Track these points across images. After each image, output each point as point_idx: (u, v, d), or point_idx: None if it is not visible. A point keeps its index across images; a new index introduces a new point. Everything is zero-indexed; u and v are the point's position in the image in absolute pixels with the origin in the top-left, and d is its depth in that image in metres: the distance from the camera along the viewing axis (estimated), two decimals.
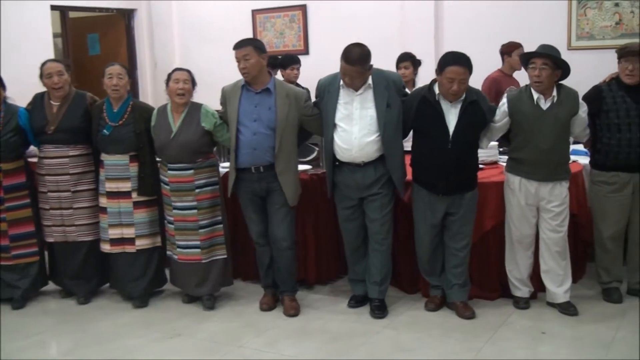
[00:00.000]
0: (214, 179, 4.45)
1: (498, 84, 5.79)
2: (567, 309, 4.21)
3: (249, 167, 4.22)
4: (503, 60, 5.98)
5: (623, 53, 4.16)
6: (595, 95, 4.22)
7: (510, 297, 4.35)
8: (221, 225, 4.48)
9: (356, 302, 4.46)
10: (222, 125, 4.34)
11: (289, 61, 6.17)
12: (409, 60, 5.82)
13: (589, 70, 4.64)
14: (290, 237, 4.35)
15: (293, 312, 4.34)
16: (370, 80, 4.10)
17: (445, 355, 3.74)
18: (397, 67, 5.79)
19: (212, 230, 4.44)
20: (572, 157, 4.94)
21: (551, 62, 4.00)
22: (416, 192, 4.23)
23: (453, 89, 3.94)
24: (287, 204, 4.28)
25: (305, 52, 7.49)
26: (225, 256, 4.49)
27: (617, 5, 6.11)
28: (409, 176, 4.29)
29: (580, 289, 4.60)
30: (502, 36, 6.15)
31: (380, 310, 4.27)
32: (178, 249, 4.45)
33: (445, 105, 4.04)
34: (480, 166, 4.54)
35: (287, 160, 4.25)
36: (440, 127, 4.02)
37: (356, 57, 3.99)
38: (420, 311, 4.35)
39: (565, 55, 6.15)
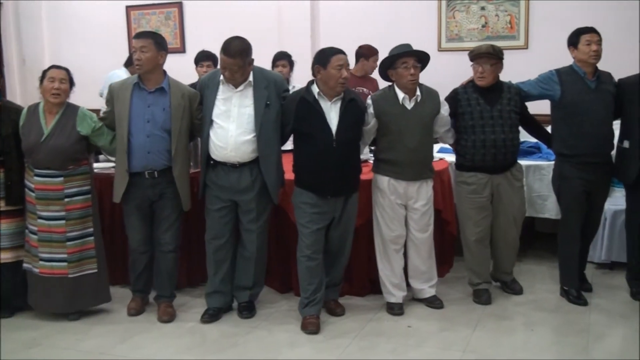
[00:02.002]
0: (86, 187, 4.18)
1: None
2: (433, 302, 4.34)
3: (142, 172, 4.04)
4: (357, 61, 6.04)
5: (473, 56, 4.30)
6: (452, 98, 4.34)
7: (380, 292, 4.40)
8: (92, 238, 4.21)
9: (211, 316, 4.21)
10: (102, 130, 4.12)
11: (274, 58, 5.93)
12: (286, 59, 5.83)
13: (458, 71, 4.76)
14: (176, 242, 4.25)
15: (167, 317, 4.21)
16: (251, 78, 4.01)
17: (314, 353, 3.76)
18: (275, 65, 5.77)
19: (82, 243, 4.17)
20: (440, 155, 5.13)
21: (420, 62, 4.09)
22: (300, 197, 4.06)
23: (344, 75, 3.92)
24: (178, 209, 4.17)
25: (182, 50, 7.32)
26: (95, 270, 4.23)
27: (483, 8, 6.34)
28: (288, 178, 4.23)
29: (447, 282, 4.77)
30: (375, 37, 6.24)
31: (247, 310, 4.23)
32: (40, 262, 4.14)
33: (324, 104, 3.98)
34: None
35: (183, 163, 4.13)
36: (322, 126, 3.95)
37: (236, 49, 3.90)
38: (291, 311, 4.35)
39: (436, 56, 6.40)
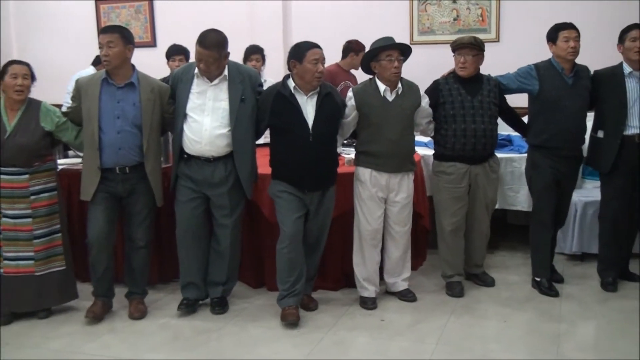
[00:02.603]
0: (52, 184, 4.11)
1: (333, 76, 5.88)
2: (406, 295, 4.35)
3: (112, 168, 3.97)
4: (346, 55, 6.05)
5: (455, 46, 4.33)
6: (433, 89, 4.36)
7: (353, 286, 4.39)
8: (60, 235, 4.14)
9: (187, 306, 4.21)
10: (66, 124, 4.04)
11: (247, 52, 5.83)
12: (259, 53, 5.79)
13: (431, 63, 4.78)
14: (147, 238, 4.19)
15: (138, 314, 4.16)
16: (226, 72, 3.99)
17: (287, 348, 3.74)
18: (248, 59, 5.73)
19: (49, 240, 4.10)
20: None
21: (402, 55, 4.09)
22: (278, 186, 4.03)
23: (319, 69, 3.91)
24: (150, 204, 4.11)
25: (153, 44, 7.24)
26: (63, 267, 4.16)
27: (454, 2, 6.36)
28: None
29: (420, 275, 4.79)
30: (348, 31, 6.25)
31: (220, 306, 4.20)
32: (5, 262, 4.04)
33: (301, 99, 3.97)
34: None
35: (156, 158, 4.07)
36: (299, 121, 3.93)
37: (212, 41, 3.88)
38: (265, 306, 4.33)
39: None
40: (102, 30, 4.02)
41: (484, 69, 4.51)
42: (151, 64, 5.91)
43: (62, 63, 7.15)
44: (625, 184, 4.39)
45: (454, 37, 4.50)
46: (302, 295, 4.13)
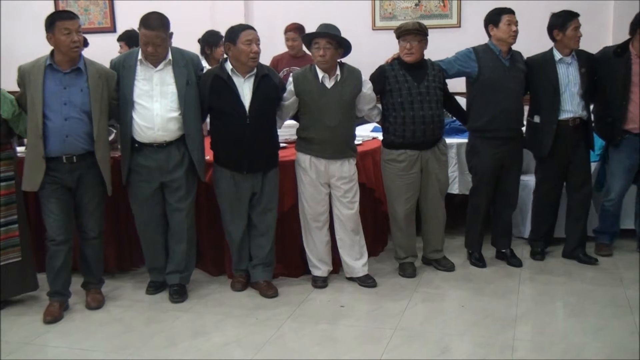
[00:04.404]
0: (10, 173, 4.00)
1: (276, 64, 6.06)
2: (366, 281, 4.35)
3: (59, 157, 3.87)
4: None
5: (400, 33, 4.32)
6: (379, 76, 4.34)
7: None
8: (16, 225, 4.05)
9: (155, 288, 4.32)
10: (20, 116, 3.92)
11: (209, 40, 5.78)
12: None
13: (393, 49, 4.73)
14: (99, 228, 4.12)
15: (95, 304, 4.11)
16: (170, 56, 3.98)
17: (245, 335, 3.72)
18: (218, 46, 5.66)
19: (6, 231, 4.00)
20: (373, 134, 5.13)
21: (334, 42, 4.05)
22: (219, 174, 4.14)
23: (254, 50, 3.94)
24: (101, 194, 4.04)
25: (112, 30, 7.12)
26: (19, 259, 4.08)
27: None
28: (210, 158, 4.22)
29: (380, 261, 4.80)
30: (310, 16, 6.17)
31: (178, 295, 4.17)
32: None
33: (238, 81, 4.01)
34: (283, 145, 4.56)
35: (105, 146, 3.99)
36: (235, 103, 3.98)
37: (157, 22, 3.87)
38: (225, 293, 4.32)
39: (370, 35, 6.43)
40: (71, 16, 3.89)
41: (446, 55, 4.53)
42: (111, 49, 5.87)
43: (22, 49, 6.97)
44: (559, 165, 4.61)
45: (408, 21, 4.48)
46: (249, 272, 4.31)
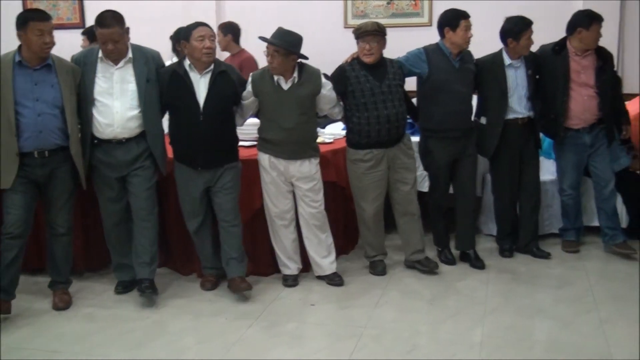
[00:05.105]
0: None
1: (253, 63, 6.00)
2: (334, 279, 4.36)
3: (31, 152, 3.83)
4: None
5: (359, 34, 4.31)
6: (340, 76, 4.34)
7: None
8: None
9: (124, 287, 4.30)
10: None
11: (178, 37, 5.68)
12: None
13: None
14: (69, 224, 4.08)
15: (63, 304, 4.07)
16: (130, 54, 3.99)
17: (215, 335, 3.71)
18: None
19: None
20: (344, 132, 5.11)
21: (282, 49, 4.04)
22: (177, 170, 4.19)
23: (206, 45, 3.95)
24: (71, 189, 4.01)
25: (82, 25, 6.99)
26: None
27: None
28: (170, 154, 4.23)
29: (350, 260, 4.82)
30: (282, 15, 6.21)
31: (151, 289, 4.12)
32: None
33: (195, 77, 4.04)
34: (254, 143, 4.56)
35: (78, 140, 3.99)
36: (189, 100, 4.01)
37: (111, 19, 3.90)
38: (194, 292, 4.29)
39: (342, 33, 6.42)
40: (44, 18, 3.87)
41: None
42: (76, 46, 5.81)
43: None
44: (512, 163, 4.69)
45: (387, 21, 4.58)
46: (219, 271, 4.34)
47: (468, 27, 4.39)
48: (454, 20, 4.39)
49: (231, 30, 6.18)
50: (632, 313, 3.87)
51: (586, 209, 5.04)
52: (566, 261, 4.72)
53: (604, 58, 4.67)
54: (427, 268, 4.53)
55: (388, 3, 6.39)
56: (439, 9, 6.08)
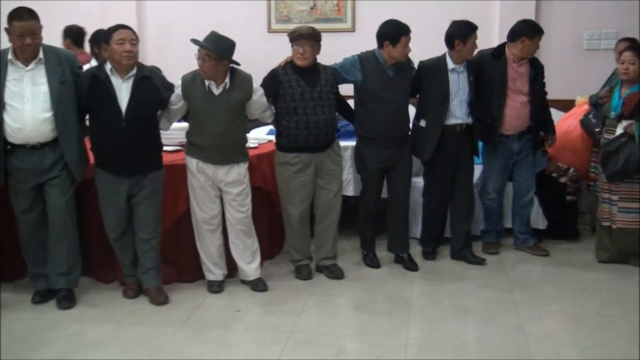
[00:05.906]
0: None
1: None
2: (258, 285, 4.34)
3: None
4: None
5: (294, 37, 4.32)
6: (272, 80, 4.33)
7: None
8: None
9: (41, 296, 4.13)
10: None
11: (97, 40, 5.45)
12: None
13: (288, 52, 4.74)
14: None
15: None
16: (41, 55, 3.86)
17: (137, 343, 3.62)
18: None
19: None
20: (269, 137, 5.11)
21: (214, 54, 4.00)
22: (98, 176, 4.07)
23: (127, 49, 3.86)
24: None
25: None
26: None
27: None
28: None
29: (276, 264, 4.80)
30: (206, 19, 6.10)
31: (67, 300, 4.01)
32: None
33: (116, 82, 3.93)
34: (177, 148, 4.49)
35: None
36: (111, 105, 3.90)
37: (29, 13, 3.80)
38: (117, 301, 4.19)
39: (266, 37, 6.42)
40: (24, 17, 3.77)
41: (340, 59, 4.57)
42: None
43: None
44: (446, 170, 4.73)
45: (302, 26, 4.49)
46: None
47: (407, 43, 4.41)
48: (395, 36, 4.38)
49: (70, 34, 6.01)
50: (549, 311, 4.02)
51: (505, 211, 5.17)
52: (487, 262, 4.84)
53: (537, 68, 4.81)
54: (333, 275, 4.55)
55: (312, 8, 6.42)
56: (362, 15, 6.28)
